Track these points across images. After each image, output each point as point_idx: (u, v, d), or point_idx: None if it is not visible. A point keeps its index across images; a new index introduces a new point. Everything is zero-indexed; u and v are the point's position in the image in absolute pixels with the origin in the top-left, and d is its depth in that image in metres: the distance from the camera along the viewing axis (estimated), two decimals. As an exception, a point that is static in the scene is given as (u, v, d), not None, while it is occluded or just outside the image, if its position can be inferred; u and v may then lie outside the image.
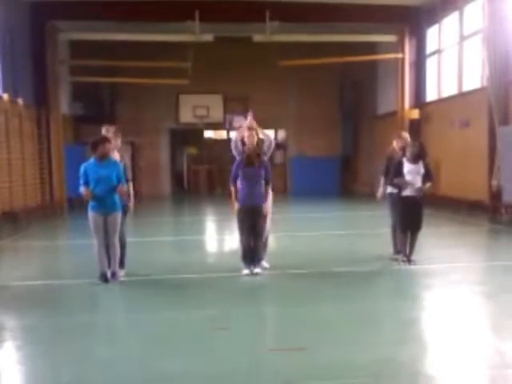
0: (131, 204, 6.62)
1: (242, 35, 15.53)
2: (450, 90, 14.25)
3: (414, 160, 6.76)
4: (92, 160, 6.12)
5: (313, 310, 5.16)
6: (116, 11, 14.42)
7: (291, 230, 10.68)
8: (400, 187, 6.83)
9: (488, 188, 11.89)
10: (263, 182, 6.42)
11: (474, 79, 12.92)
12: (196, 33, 14.58)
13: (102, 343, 4.39)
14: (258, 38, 15.29)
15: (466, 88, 13.33)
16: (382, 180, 7.35)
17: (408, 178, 6.73)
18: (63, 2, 14.14)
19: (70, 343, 4.34)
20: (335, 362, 3.86)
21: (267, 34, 14.67)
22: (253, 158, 6.38)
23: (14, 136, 12.66)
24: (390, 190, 7.26)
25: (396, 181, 6.80)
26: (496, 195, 11.49)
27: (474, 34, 12.82)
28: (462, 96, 13.46)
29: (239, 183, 6.49)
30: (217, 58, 17.87)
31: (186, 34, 14.79)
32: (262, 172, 6.39)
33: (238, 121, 19.70)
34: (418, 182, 6.80)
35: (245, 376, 3.70)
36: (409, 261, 6.89)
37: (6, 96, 12.42)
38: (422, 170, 6.80)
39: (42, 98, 14.62)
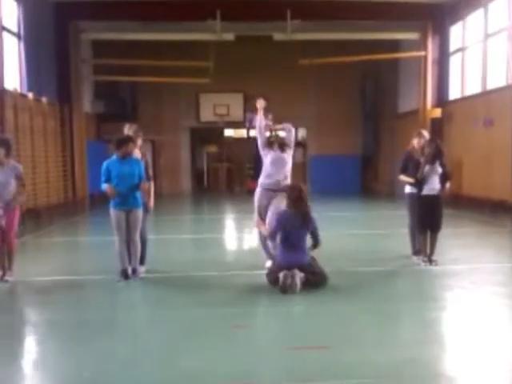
0: (152, 203, 6.67)
1: (262, 34, 15.50)
2: (473, 88, 14.04)
3: (431, 160, 6.70)
4: (114, 157, 6.20)
5: (333, 309, 5.14)
6: (137, 11, 14.55)
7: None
8: (421, 186, 6.77)
9: (512, 188, 11.70)
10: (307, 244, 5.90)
11: (499, 77, 12.71)
12: (217, 32, 14.61)
13: (123, 339, 4.44)
14: (278, 36, 15.24)
15: (490, 86, 13.11)
16: (403, 176, 7.21)
17: (426, 178, 6.71)
18: (86, 2, 14.31)
19: (92, 339, 4.40)
20: (356, 361, 3.84)
21: (288, 32, 14.63)
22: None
23: (37, 134, 12.87)
24: (409, 189, 7.20)
25: (418, 175, 6.74)
26: (520, 195, 11.29)
27: (499, 31, 12.60)
28: (486, 94, 13.23)
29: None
30: (237, 57, 17.88)
31: (208, 33, 14.84)
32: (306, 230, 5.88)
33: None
34: (436, 183, 6.75)
35: (265, 374, 3.71)
36: (430, 261, 6.82)
37: (30, 94, 12.63)
38: (440, 170, 6.75)
39: (65, 97, 14.83)
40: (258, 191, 6.64)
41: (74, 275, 6.74)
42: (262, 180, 6.63)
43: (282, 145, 6.63)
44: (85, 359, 4.00)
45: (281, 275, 5.56)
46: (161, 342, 4.31)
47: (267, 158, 6.59)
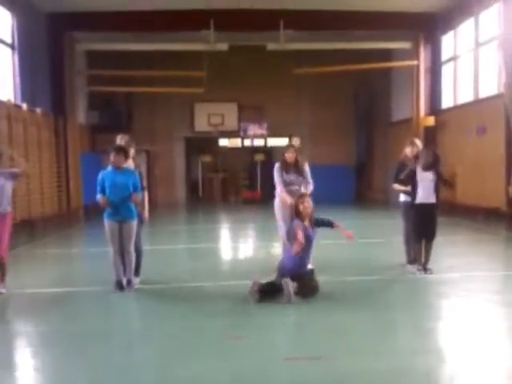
0: (146, 213, 6.66)
1: (256, 44, 15.61)
2: (465, 96, 14.15)
3: (428, 168, 6.73)
4: (110, 167, 6.20)
5: (328, 318, 5.13)
6: (132, 22, 14.60)
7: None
8: (414, 195, 6.80)
9: (505, 195, 11.75)
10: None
11: (491, 86, 12.82)
12: (211, 42, 14.70)
13: (118, 350, 4.41)
14: (272, 46, 15.37)
15: (483, 95, 13.22)
16: (397, 185, 7.24)
17: (420, 185, 6.73)
18: (80, 13, 14.36)
19: (86, 350, 4.37)
20: (354, 371, 3.83)
21: (281, 42, 14.74)
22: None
23: (31, 144, 12.84)
24: (403, 198, 7.23)
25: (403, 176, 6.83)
26: (513, 203, 11.33)
27: (490, 40, 12.73)
28: (478, 103, 13.34)
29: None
30: (231, 67, 17.97)
31: (201, 43, 14.93)
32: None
33: (251, 129, 19.80)
34: (431, 191, 6.78)
35: (259, 385, 3.70)
36: (425, 269, 6.84)
37: (24, 105, 12.63)
38: (435, 178, 6.78)
39: (59, 108, 14.83)
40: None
41: (69, 287, 6.70)
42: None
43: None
44: (80, 369, 3.97)
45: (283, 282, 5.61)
46: (156, 352, 4.29)
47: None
